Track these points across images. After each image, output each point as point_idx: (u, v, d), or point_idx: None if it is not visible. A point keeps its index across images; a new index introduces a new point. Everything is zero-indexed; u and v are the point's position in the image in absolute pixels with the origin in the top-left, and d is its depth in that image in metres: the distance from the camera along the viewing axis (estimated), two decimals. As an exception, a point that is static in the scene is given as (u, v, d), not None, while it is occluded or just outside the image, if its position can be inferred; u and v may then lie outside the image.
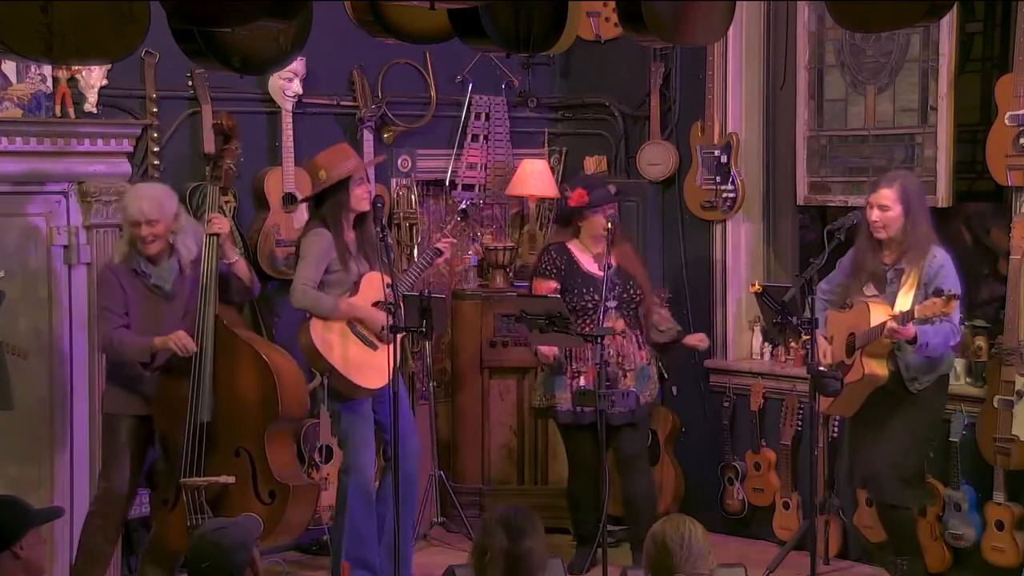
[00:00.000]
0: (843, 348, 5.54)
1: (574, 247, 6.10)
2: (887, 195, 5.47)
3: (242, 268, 5.62)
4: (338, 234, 5.66)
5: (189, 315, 5.47)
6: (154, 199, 5.41)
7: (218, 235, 5.47)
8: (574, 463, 6.17)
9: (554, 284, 6.02)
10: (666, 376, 6.67)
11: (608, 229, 5.84)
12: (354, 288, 5.69)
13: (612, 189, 6.23)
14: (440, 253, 6.00)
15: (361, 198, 5.68)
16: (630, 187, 6.87)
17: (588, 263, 6.05)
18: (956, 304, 5.13)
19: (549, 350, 5.99)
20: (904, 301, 5.36)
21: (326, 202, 5.70)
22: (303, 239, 5.72)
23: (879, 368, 5.45)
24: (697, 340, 6.30)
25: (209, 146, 5.74)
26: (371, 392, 5.67)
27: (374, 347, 5.63)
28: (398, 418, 5.39)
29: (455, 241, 6.25)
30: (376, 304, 5.61)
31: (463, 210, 6.17)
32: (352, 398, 5.71)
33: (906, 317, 5.23)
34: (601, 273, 5.90)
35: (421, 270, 6.00)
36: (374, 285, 5.63)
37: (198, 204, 6.11)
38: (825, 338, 5.56)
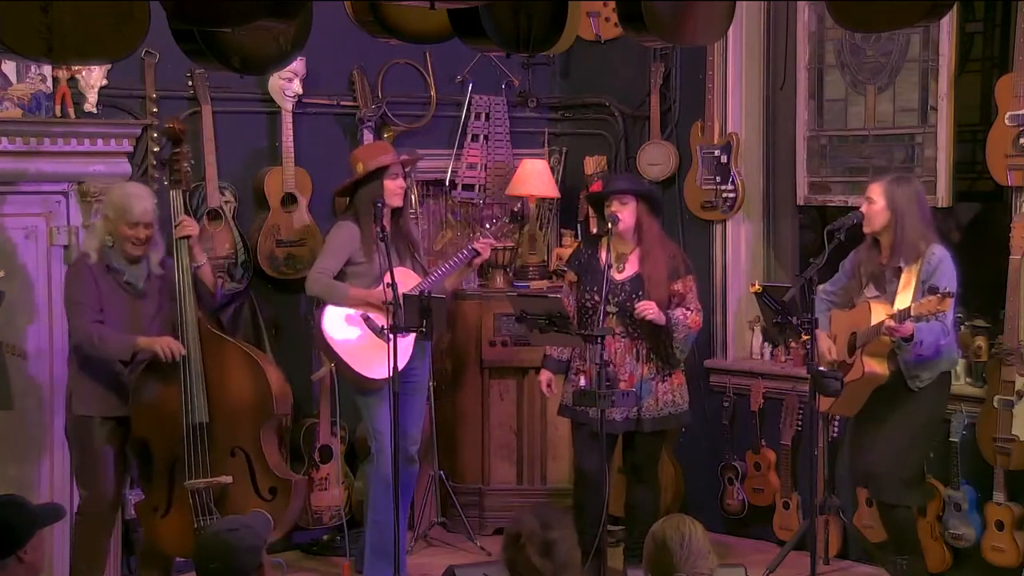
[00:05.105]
0: (845, 347, 5.54)
1: (604, 243, 5.77)
2: (873, 189, 5.50)
3: (207, 273, 5.58)
4: (367, 227, 5.70)
5: (161, 315, 5.43)
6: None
7: (188, 237, 5.45)
8: (576, 469, 5.98)
9: (571, 276, 5.93)
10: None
11: (610, 221, 5.66)
12: (378, 281, 5.69)
13: (632, 182, 5.97)
14: (477, 254, 5.93)
15: (394, 192, 5.75)
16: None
17: (607, 262, 5.68)
18: (951, 303, 5.13)
19: (546, 385, 5.93)
20: (903, 299, 5.36)
21: (359, 194, 5.77)
22: (330, 230, 5.85)
23: (879, 367, 5.45)
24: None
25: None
26: (382, 383, 5.68)
27: (386, 339, 5.61)
28: (397, 418, 5.39)
29: (494, 243, 6.12)
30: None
31: (515, 212, 6.06)
32: (368, 388, 5.75)
33: (903, 315, 5.23)
34: (616, 275, 5.70)
35: (453, 268, 5.93)
36: (399, 279, 5.58)
37: (197, 204, 6.13)
38: (829, 337, 5.58)
